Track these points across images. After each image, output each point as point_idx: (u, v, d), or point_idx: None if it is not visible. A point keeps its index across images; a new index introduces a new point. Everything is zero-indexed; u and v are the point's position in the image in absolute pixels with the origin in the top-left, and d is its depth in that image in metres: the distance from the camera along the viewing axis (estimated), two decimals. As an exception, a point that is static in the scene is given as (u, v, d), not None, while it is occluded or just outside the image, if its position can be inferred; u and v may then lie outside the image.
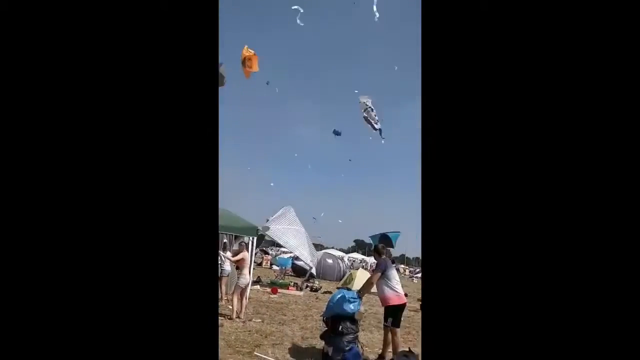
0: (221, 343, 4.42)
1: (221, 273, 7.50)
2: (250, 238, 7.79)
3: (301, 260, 12.38)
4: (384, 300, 4.50)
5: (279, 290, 10.42)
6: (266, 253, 22.76)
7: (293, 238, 9.66)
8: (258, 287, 10.60)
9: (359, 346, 4.19)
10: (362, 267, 18.78)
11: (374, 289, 4.78)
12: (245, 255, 6.50)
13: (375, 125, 6.73)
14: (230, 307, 6.27)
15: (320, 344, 4.15)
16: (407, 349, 4.18)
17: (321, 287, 12.07)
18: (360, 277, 10.61)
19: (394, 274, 4.62)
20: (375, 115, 6.56)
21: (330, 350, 4.02)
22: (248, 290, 6.76)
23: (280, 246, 17.26)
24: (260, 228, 7.98)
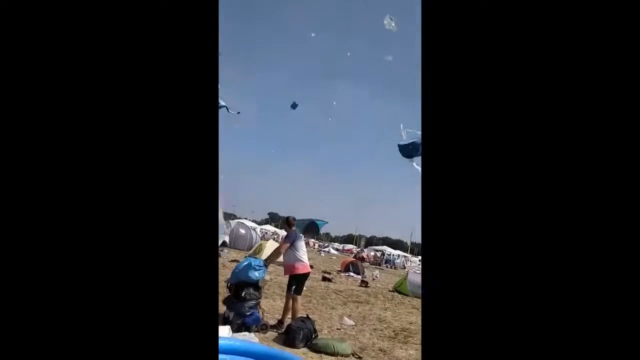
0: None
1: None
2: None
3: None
4: (290, 268, 4.66)
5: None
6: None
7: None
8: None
9: (260, 312, 4.31)
10: (274, 239, 18.99)
11: (281, 259, 4.93)
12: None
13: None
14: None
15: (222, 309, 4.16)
16: (305, 315, 4.42)
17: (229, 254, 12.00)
18: (270, 248, 10.73)
19: (302, 244, 4.79)
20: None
21: (231, 315, 4.07)
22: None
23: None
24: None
